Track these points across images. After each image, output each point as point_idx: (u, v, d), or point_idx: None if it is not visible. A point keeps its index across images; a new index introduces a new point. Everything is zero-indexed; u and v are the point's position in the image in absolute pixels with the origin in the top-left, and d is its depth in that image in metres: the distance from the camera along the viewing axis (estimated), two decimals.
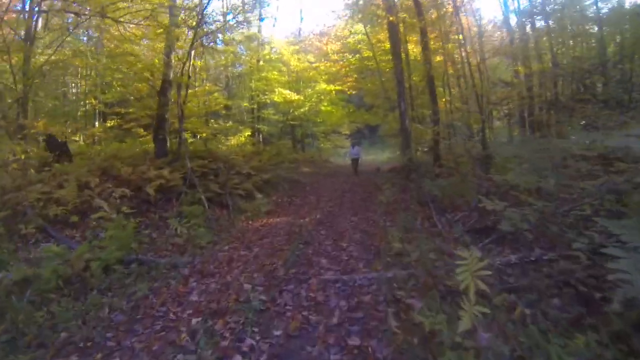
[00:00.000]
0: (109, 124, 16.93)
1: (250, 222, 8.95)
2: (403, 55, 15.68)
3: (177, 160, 10.75)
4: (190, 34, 10.92)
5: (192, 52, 11.33)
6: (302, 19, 42.05)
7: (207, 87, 18.83)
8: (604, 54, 17.51)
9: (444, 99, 17.77)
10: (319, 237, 6.91)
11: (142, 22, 10.01)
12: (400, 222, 6.88)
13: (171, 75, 10.98)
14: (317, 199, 11.48)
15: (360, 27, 21.68)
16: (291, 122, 25.72)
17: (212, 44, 13.29)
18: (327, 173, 19.63)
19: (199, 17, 10.07)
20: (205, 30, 10.53)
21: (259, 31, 24.18)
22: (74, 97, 19.52)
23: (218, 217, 9.09)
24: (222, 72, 25.08)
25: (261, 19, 21.34)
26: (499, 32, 19.90)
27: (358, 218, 8.28)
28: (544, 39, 16.86)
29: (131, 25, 10.81)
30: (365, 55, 21.12)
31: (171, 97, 11.54)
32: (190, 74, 12.02)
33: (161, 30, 10.01)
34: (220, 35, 14.57)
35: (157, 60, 12.56)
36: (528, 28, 16.97)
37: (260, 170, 13.04)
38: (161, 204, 8.68)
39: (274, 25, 25.38)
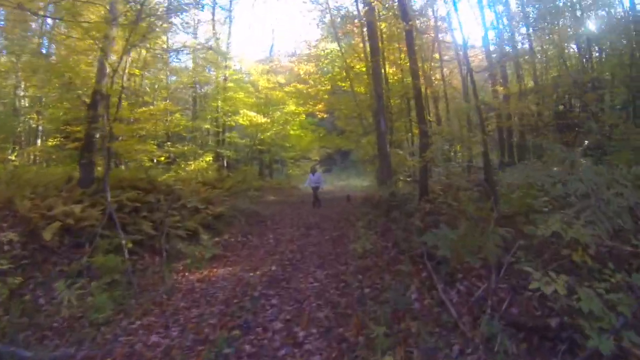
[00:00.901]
0: (50, 143, 14.73)
1: (187, 274, 7.01)
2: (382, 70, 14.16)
3: (104, 191, 8.71)
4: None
5: (128, 56, 9.43)
6: (272, 40, 40.54)
7: (163, 106, 16.81)
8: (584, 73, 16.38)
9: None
10: (266, 311, 4.96)
11: (70, 18, 7.96)
12: (385, 292, 4.97)
13: (104, 85, 8.99)
14: (277, 239, 9.57)
15: (333, 46, 20.31)
16: (258, 147, 23.90)
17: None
18: (293, 202, 17.69)
19: (139, 7, 8.09)
20: (144, 25, 8.53)
21: (228, 48, 22.53)
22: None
23: (145, 267, 7.10)
24: (182, 91, 23.26)
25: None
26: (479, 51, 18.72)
27: (324, 275, 6.35)
28: (526, 57, 15.57)
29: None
30: (338, 76, 19.58)
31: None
32: (129, 84, 10.14)
33: (91, 26, 7.99)
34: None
35: (84, 66, 10.53)
36: (508, 48, 15.71)
37: (212, 203, 11.05)
38: (66, 252, 6.58)
39: (230, 21, 23.06)
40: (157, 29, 9.87)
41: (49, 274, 5.97)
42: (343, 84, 18.93)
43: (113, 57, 9.06)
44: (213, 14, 22.87)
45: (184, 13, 11.38)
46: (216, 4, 23.03)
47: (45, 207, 7.05)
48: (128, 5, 8.39)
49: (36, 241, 6.37)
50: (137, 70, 13.29)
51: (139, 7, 8.02)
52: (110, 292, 5.57)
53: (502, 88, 13.43)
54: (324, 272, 6.52)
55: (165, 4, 10.35)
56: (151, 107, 16.80)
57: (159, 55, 16.40)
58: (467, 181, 9.58)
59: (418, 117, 10.25)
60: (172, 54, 20.28)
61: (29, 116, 14.83)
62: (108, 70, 9.13)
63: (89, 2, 8.12)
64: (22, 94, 16.01)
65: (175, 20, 11.53)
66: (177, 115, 20.04)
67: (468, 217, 5.59)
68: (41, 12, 8.28)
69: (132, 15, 8.34)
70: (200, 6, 13.34)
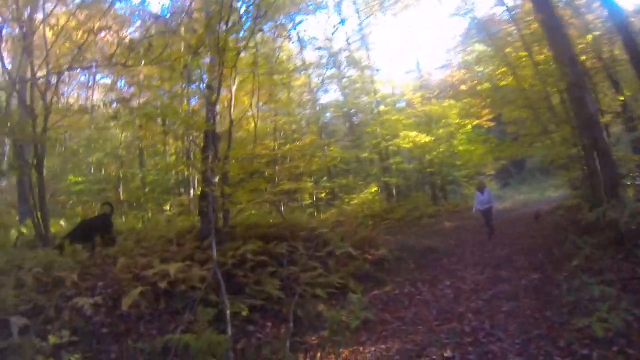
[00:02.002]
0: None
1: (319, 355, 4.90)
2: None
3: (225, 241, 7.31)
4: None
5: (232, 85, 8.11)
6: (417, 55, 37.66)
7: (309, 140, 15.63)
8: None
9: None
10: None
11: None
12: None
13: (215, 121, 7.78)
14: (455, 289, 6.88)
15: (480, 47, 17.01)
16: (428, 170, 21.21)
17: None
18: (473, 226, 14.35)
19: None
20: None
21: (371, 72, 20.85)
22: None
23: (262, 343, 5.20)
24: (335, 123, 22.20)
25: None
26: None
27: None
28: None
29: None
30: (497, 74, 15.75)
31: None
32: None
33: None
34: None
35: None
36: None
37: (372, 244, 8.83)
38: (157, 322, 5.11)
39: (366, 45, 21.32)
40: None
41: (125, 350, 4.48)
42: (503, 82, 15.03)
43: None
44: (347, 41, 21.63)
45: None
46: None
47: (141, 265, 5.81)
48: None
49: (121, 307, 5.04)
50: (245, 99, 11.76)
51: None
52: None
53: None
54: None
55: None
56: (297, 142, 15.73)
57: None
58: None
59: None
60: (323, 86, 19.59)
61: (179, 168, 15.03)
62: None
63: None
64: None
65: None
66: (333, 147, 18.83)
67: None
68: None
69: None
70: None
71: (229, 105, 8.13)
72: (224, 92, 8.01)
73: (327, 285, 6.69)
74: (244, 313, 5.57)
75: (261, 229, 7.98)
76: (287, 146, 15.27)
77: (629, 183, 7.91)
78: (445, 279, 7.59)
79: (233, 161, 8.62)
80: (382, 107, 20.00)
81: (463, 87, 19.12)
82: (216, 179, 7.64)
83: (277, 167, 17.09)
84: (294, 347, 5.12)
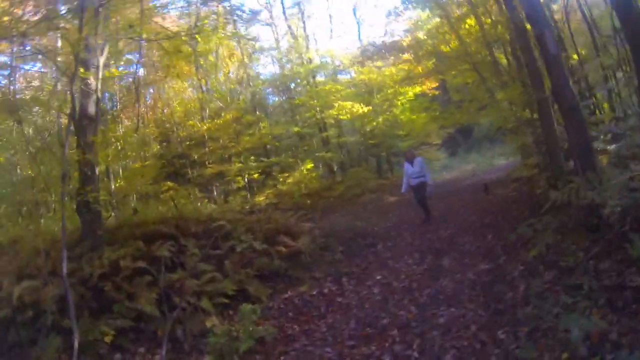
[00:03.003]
0: None
1: None
2: None
3: (100, 246, 5.54)
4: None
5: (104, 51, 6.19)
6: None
7: (230, 116, 13.79)
8: None
9: None
10: None
11: None
12: None
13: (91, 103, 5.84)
14: (386, 286, 5.50)
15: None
16: (370, 142, 19.86)
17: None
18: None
19: None
20: None
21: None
22: None
23: None
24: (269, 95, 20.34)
25: None
26: None
27: None
28: None
29: None
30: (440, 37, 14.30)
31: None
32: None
33: None
34: None
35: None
36: None
37: (289, 232, 7.22)
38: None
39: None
40: None
41: None
42: (447, 48, 13.57)
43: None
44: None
45: None
46: None
47: None
48: None
49: None
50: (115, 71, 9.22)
51: None
52: None
53: None
54: None
55: None
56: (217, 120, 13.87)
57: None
58: None
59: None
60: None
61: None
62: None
63: None
64: None
65: None
66: (264, 124, 17.02)
67: None
68: None
69: None
70: None
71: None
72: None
73: (217, 293, 5.07)
74: (107, 339, 4.27)
75: (148, 227, 6.20)
76: (206, 125, 13.36)
77: (600, 148, 6.36)
78: (377, 272, 6.21)
79: (113, 148, 6.71)
80: (318, 79, 18.33)
81: (406, 56, 17.58)
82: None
83: (207, 149, 15.33)
84: None
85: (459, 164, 22.79)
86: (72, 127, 5.85)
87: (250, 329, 4.43)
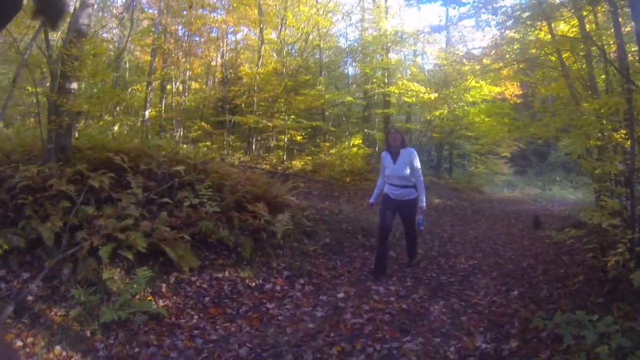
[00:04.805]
0: None
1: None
2: None
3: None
4: None
5: None
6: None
7: (271, 68, 12.86)
8: None
9: None
10: None
11: None
12: None
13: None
14: (330, 324, 3.92)
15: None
16: (433, 134, 18.06)
17: None
18: (462, 213, 11.33)
19: None
20: None
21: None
22: None
23: None
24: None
25: None
26: None
27: None
28: None
29: None
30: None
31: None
32: None
33: None
34: None
35: None
36: None
37: (272, 204, 6.09)
38: None
39: None
40: None
41: None
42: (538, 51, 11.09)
43: None
44: None
45: None
46: None
47: None
48: None
49: None
50: None
51: None
52: None
53: None
54: None
55: None
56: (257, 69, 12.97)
57: None
58: None
59: None
60: None
61: None
62: None
63: None
64: None
65: None
66: (321, 87, 15.84)
67: None
68: None
69: None
70: None
71: None
72: None
73: (127, 245, 4.13)
74: None
75: (102, 154, 5.42)
76: (245, 67, 12.49)
77: None
78: (341, 288, 4.76)
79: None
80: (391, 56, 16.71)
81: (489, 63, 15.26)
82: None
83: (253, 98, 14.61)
84: None
85: (524, 186, 20.52)
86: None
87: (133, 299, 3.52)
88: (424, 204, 5.20)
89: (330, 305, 4.26)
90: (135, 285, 3.75)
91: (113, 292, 3.75)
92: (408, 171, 4.99)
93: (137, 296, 3.78)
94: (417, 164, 5.08)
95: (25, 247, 4.10)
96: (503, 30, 12.71)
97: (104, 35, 12.20)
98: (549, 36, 9.82)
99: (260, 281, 4.74)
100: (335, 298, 4.46)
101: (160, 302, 3.94)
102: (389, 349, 3.27)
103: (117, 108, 12.16)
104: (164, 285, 4.17)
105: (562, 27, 9.90)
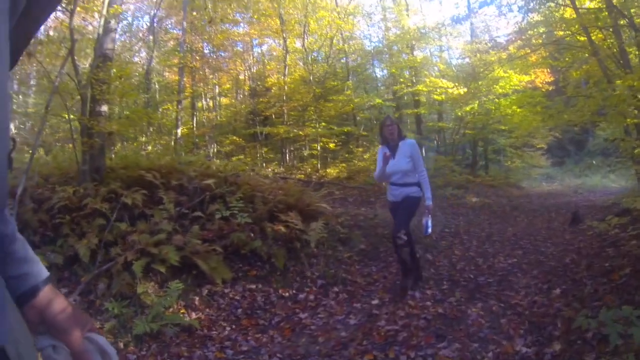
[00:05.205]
0: None
1: None
2: None
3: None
4: None
5: None
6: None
7: (297, 75, 12.87)
8: None
9: None
10: None
11: None
12: None
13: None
14: (363, 331, 3.81)
15: None
16: (467, 131, 17.64)
17: None
18: (498, 211, 10.96)
19: None
20: None
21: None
22: None
23: None
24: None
25: None
26: None
27: None
28: None
29: None
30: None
31: None
32: None
33: None
34: None
35: None
36: None
37: (305, 214, 6.09)
38: None
39: None
40: None
41: None
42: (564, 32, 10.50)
43: None
44: None
45: None
46: None
47: None
48: None
49: None
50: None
51: None
52: None
53: None
54: None
55: None
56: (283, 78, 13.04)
57: None
58: None
59: None
60: None
61: None
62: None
63: None
64: None
65: None
66: (349, 92, 15.80)
67: None
68: None
69: None
70: None
71: None
72: None
73: (160, 259, 4.19)
74: None
75: (134, 172, 5.58)
76: (273, 78, 12.59)
77: None
78: (380, 293, 4.57)
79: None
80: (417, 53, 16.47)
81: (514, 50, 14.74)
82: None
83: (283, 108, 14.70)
84: None
85: (563, 177, 19.62)
86: None
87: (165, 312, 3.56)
88: (431, 203, 4.50)
89: (364, 313, 4.12)
90: (168, 298, 3.80)
91: (146, 305, 3.83)
92: (410, 165, 4.41)
93: (170, 309, 3.82)
94: (419, 156, 4.54)
95: (63, 263, 4.25)
96: (527, 14, 12.41)
97: (134, 59, 12.66)
98: (575, 15, 9.44)
99: (294, 291, 4.72)
100: (369, 305, 4.32)
101: (193, 315, 3.98)
102: (424, 356, 3.14)
103: (150, 129, 12.51)
104: (197, 298, 4.21)
105: (588, 5, 9.50)
